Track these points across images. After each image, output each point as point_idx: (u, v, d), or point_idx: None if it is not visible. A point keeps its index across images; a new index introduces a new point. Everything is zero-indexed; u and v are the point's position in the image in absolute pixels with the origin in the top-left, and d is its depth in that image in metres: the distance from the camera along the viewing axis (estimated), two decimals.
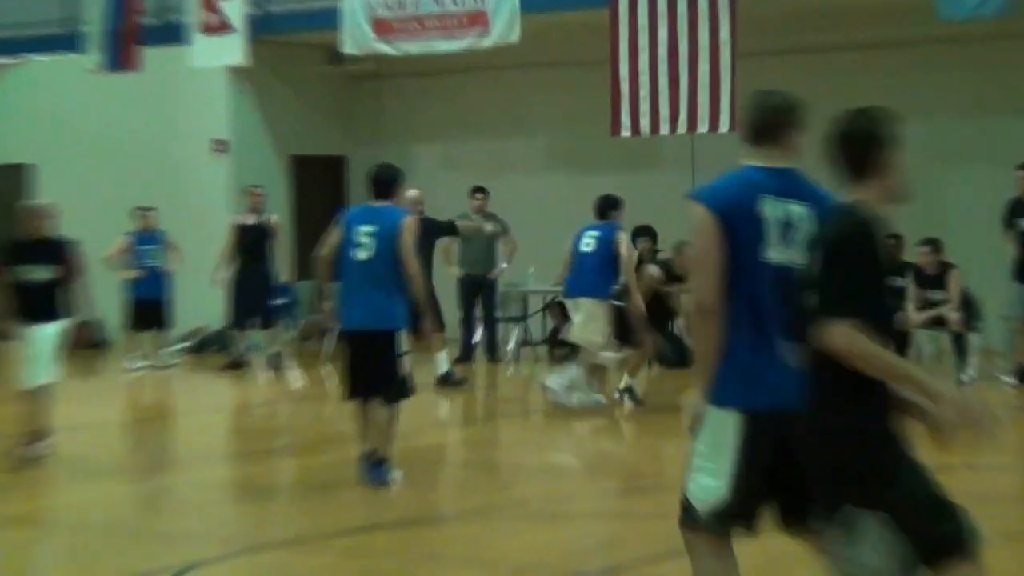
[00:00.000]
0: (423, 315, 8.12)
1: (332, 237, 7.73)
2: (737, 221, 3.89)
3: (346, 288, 7.62)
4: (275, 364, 13.12)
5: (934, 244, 11.94)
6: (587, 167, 14.77)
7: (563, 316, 12.67)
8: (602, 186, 11.87)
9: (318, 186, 16.62)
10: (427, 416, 10.30)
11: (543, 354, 14.06)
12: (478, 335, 13.84)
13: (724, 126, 13.08)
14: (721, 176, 4.10)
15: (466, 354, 13.46)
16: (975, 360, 11.84)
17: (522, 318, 14.50)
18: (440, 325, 11.14)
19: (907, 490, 3.48)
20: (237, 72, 15.57)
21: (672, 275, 12.79)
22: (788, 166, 4.00)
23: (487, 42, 14.08)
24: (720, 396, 4.01)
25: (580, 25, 14.58)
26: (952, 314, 11.68)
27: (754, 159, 4.02)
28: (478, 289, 13.59)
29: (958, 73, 14.29)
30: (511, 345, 14.31)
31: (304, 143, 17.00)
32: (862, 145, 3.60)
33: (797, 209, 3.91)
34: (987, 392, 11.17)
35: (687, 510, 4.04)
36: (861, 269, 3.49)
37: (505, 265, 13.75)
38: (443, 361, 11.65)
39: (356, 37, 14.56)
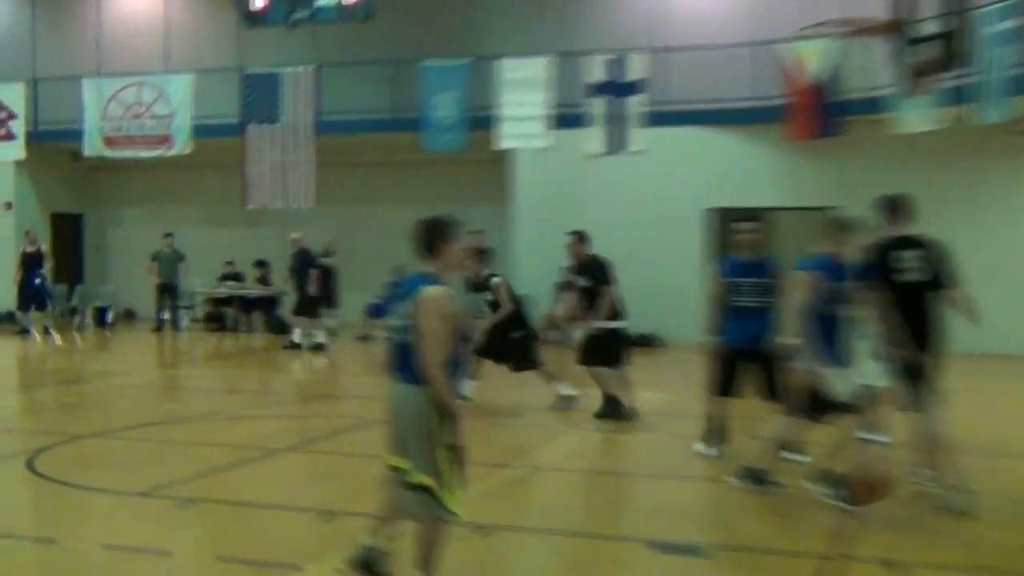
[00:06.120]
0: None
1: None
2: None
3: None
4: (45, 331, 20.05)
5: None
6: None
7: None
8: None
9: (67, 229, 24.71)
10: None
11: None
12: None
13: None
14: None
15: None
16: None
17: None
18: None
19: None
20: (18, 163, 22.98)
21: None
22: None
23: (171, 152, 21.63)
24: None
25: None
26: None
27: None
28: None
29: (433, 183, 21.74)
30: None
31: (59, 206, 24.39)
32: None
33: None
34: None
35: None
36: None
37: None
38: None
39: (91, 146, 22.06)
